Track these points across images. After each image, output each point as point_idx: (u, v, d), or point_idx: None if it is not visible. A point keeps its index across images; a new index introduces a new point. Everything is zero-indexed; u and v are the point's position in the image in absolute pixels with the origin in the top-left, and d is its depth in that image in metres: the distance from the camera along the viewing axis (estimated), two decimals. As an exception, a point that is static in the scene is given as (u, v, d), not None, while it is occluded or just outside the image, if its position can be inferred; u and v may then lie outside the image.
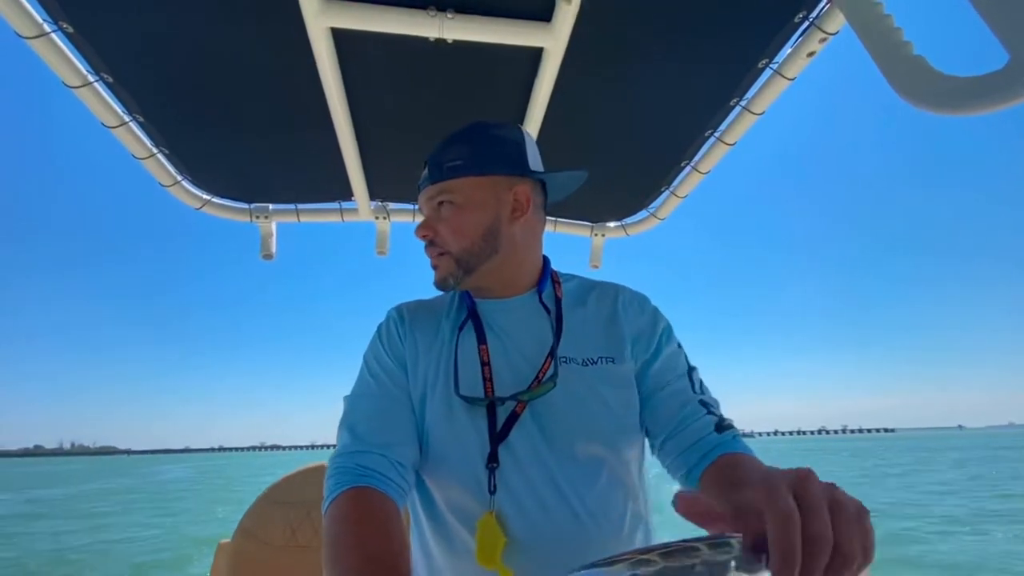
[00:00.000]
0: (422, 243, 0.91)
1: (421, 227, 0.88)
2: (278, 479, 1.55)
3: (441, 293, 0.96)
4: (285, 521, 1.46)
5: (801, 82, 1.25)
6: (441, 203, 0.87)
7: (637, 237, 2.04)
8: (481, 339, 0.87)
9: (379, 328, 0.94)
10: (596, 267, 2.10)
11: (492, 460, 0.79)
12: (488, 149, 0.88)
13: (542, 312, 0.89)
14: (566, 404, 0.82)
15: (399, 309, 0.95)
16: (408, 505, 0.88)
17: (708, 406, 0.84)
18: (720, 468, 0.75)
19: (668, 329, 0.93)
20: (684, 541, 0.39)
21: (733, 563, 0.38)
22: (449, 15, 1.07)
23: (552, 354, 0.84)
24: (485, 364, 0.84)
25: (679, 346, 0.92)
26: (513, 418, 0.81)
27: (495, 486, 0.78)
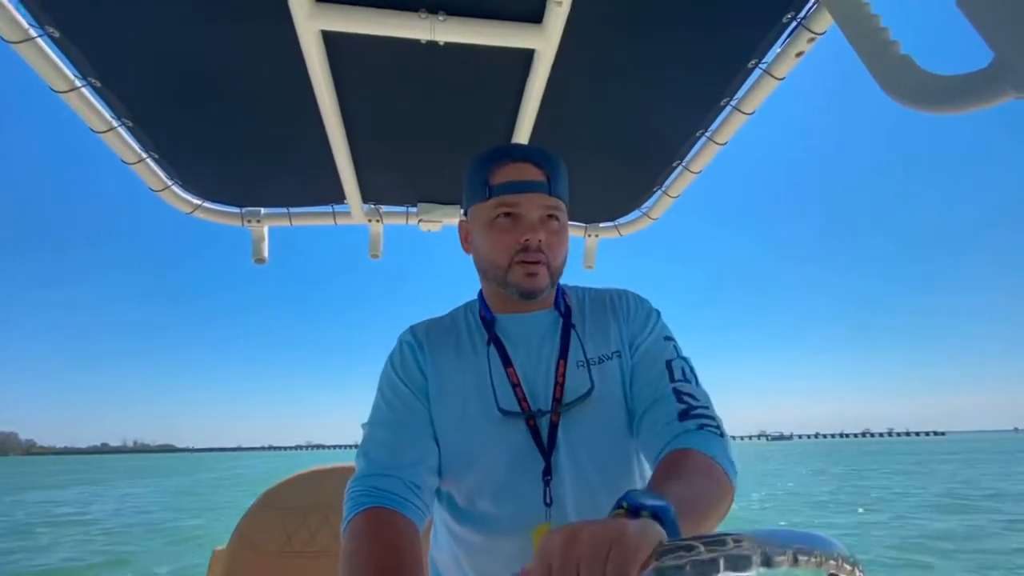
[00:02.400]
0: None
1: (534, 230, 0.85)
2: (274, 484, 1.54)
3: (450, 310, 1.00)
4: (281, 526, 1.45)
5: (794, 83, 1.26)
6: (550, 216, 0.88)
7: (649, 238, 2.05)
8: (507, 361, 0.89)
9: (392, 354, 0.95)
10: (590, 267, 2.11)
11: (547, 472, 0.81)
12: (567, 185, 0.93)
13: (559, 323, 0.93)
14: (590, 407, 0.86)
15: (413, 332, 0.96)
16: (432, 523, 0.91)
17: (680, 394, 0.82)
18: (664, 465, 0.72)
19: (658, 323, 0.94)
20: (682, 539, 0.39)
21: (722, 561, 0.38)
22: (440, 17, 1.07)
23: (564, 357, 0.88)
24: (516, 385, 0.86)
25: (667, 339, 0.92)
26: (554, 429, 0.84)
27: (551, 498, 0.80)
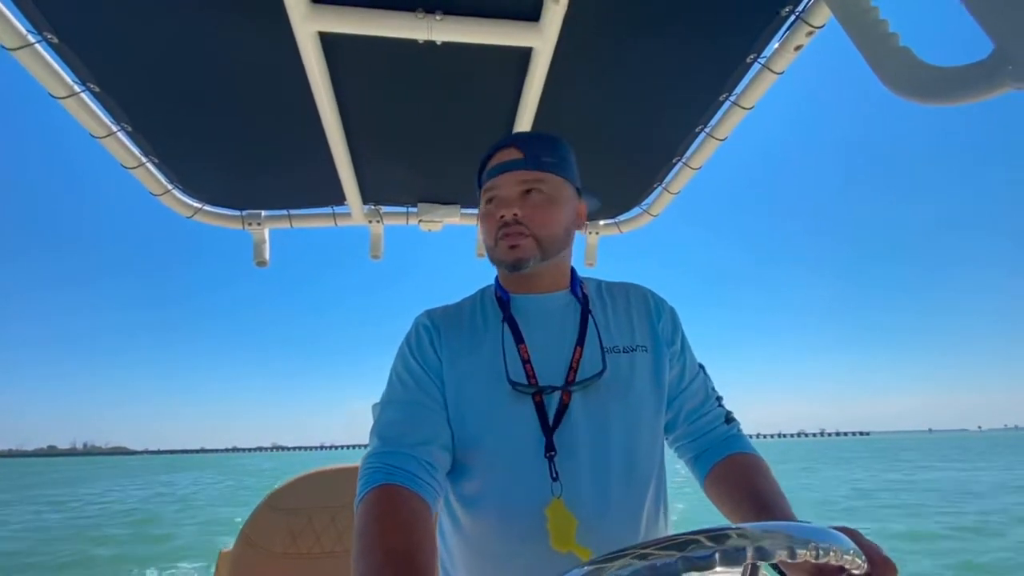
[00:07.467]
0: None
1: (508, 205, 0.89)
2: (278, 485, 1.54)
3: (464, 296, 1.02)
4: (287, 528, 1.45)
5: (795, 77, 1.26)
6: (530, 191, 0.91)
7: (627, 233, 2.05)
8: (519, 339, 0.90)
9: (407, 336, 0.96)
10: (591, 265, 2.10)
11: (549, 449, 0.83)
12: (570, 159, 0.97)
13: (577, 308, 0.95)
14: (610, 391, 0.88)
15: (430, 315, 0.97)
16: (440, 503, 0.90)
17: (720, 399, 0.99)
18: (734, 468, 0.89)
19: (681, 325, 1.01)
20: (683, 535, 0.39)
21: (717, 556, 0.38)
22: (437, 17, 1.07)
23: (580, 343, 0.90)
24: (526, 362, 0.88)
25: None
26: (563, 408, 0.85)
27: (556, 473, 0.82)
